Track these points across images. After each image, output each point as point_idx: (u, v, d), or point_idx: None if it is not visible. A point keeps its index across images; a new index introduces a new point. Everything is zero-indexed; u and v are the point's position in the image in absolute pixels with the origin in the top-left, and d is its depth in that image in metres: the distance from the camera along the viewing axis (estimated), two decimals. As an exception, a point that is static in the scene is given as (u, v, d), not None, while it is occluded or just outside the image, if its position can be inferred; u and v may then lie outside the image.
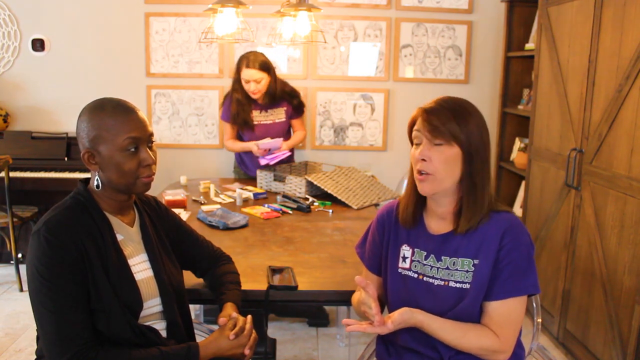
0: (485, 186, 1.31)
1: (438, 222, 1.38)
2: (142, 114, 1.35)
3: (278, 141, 3.06)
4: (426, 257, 1.37)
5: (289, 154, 3.17)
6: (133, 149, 1.29)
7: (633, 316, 2.16)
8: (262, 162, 3.04)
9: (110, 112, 1.29)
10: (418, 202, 1.40)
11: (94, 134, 1.28)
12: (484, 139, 1.32)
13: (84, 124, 1.31)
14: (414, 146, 1.34)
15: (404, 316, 1.29)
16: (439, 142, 1.29)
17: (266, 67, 3.02)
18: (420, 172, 1.31)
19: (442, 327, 1.29)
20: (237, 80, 3.07)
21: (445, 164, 1.29)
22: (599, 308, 2.41)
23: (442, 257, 1.35)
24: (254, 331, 1.41)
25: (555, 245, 2.84)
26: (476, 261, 1.31)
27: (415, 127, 1.33)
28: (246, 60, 3.00)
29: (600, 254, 2.41)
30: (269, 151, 3.04)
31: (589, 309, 2.50)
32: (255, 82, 3.00)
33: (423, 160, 1.30)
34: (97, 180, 1.32)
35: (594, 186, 2.47)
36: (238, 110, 3.09)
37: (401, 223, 1.43)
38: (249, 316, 1.42)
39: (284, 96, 3.16)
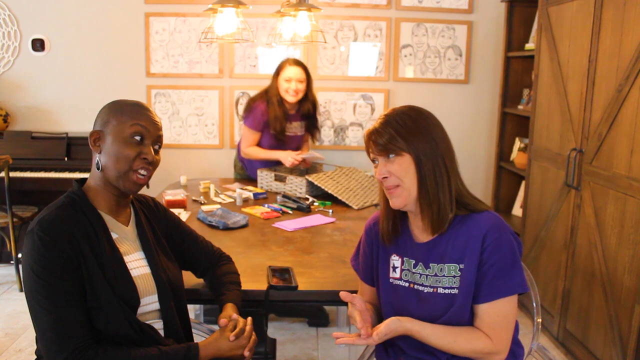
0: (439, 187, 1.31)
1: (421, 230, 1.38)
2: (159, 118, 1.38)
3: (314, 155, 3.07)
4: (415, 265, 1.37)
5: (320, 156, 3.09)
6: (138, 139, 1.32)
7: (633, 316, 2.16)
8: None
9: (129, 104, 1.36)
10: (396, 216, 1.41)
11: (107, 119, 1.33)
12: (434, 140, 1.32)
13: (102, 110, 1.36)
14: (374, 166, 1.37)
15: (391, 326, 1.29)
16: (391, 156, 1.31)
17: (308, 71, 3.03)
18: (388, 188, 1.34)
19: (432, 333, 1.29)
20: (274, 86, 3.00)
21: (405, 173, 1.31)
22: (599, 308, 2.41)
23: (430, 264, 1.35)
24: (254, 333, 1.41)
25: (555, 245, 2.84)
26: (462, 265, 1.31)
27: (370, 151, 1.37)
28: (290, 60, 3.00)
29: (600, 254, 2.41)
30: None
31: (589, 309, 2.50)
32: (298, 81, 2.96)
33: (385, 177, 1.33)
34: (97, 162, 1.33)
35: (594, 186, 2.47)
36: (277, 115, 2.99)
37: (382, 241, 1.43)
38: (249, 318, 1.42)
39: (310, 109, 3.11)
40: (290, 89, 2.96)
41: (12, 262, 3.54)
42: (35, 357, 1.37)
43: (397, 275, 1.40)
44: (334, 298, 1.57)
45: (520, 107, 3.60)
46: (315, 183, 2.77)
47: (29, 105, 3.86)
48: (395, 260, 1.41)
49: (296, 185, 2.85)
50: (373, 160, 1.37)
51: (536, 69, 3.09)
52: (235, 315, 1.41)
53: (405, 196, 1.32)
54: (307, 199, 2.72)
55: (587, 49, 2.53)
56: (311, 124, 3.19)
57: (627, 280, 2.21)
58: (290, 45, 3.79)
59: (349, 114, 3.97)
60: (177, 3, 3.78)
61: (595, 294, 2.44)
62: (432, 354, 1.34)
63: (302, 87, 2.98)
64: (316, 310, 3.04)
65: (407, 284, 1.38)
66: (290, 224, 2.33)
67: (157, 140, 1.37)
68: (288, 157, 2.96)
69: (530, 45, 3.46)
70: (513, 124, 3.74)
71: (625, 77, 2.22)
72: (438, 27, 3.88)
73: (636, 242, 2.16)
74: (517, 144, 3.68)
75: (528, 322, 2.69)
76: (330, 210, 2.59)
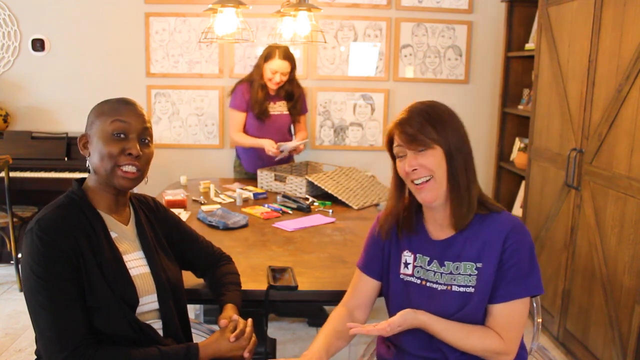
0: (470, 183, 1.31)
1: (438, 228, 1.37)
2: (143, 110, 1.36)
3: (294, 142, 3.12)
4: (429, 263, 1.36)
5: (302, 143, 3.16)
6: (121, 135, 1.30)
7: (633, 316, 2.16)
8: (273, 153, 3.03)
9: (110, 102, 1.35)
10: (410, 212, 1.40)
11: (91, 120, 1.33)
12: (462, 136, 1.33)
13: (90, 113, 1.35)
14: (398, 160, 1.34)
15: (406, 317, 1.28)
16: (421, 149, 1.29)
17: (294, 60, 3.09)
18: (415, 182, 1.31)
19: (446, 329, 1.28)
20: (258, 67, 3.08)
21: (437, 166, 1.29)
22: (599, 308, 2.41)
23: (446, 262, 1.34)
24: (254, 334, 1.40)
25: (555, 245, 2.84)
26: (479, 264, 1.30)
27: (395, 143, 1.33)
28: (277, 51, 3.03)
29: (600, 254, 2.41)
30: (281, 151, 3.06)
31: (589, 309, 2.50)
32: (282, 74, 3.05)
33: (414, 170, 1.30)
34: (88, 165, 1.33)
35: (594, 186, 2.47)
36: (257, 99, 3.08)
37: (380, 234, 1.43)
38: (250, 319, 1.42)
39: (293, 90, 3.18)
40: (274, 80, 3.05)
41: (12, 262, 3.54)
42: (35, 357, 1.37)
43: (409, 271, 1.39)
44: (334, 298, 1.58)
45: (520, 107, 3.60)
46: (315, 183, 2.77)
47: (29, 105, 3.86)
48: (408, 257, 1.40)
49: (296, 185, 2.85)
50: (396, 155, 1.34)
51: (536, 69, 3.09)
52: (235, 317, 1.41)
53: (437, 190, 1.30)
54: (307, 199, 2.72)
55: (587, 49, 2.53)
56: (293, 106, 3.22)
57: (627, 280, 2.21)
58: (291, 45, 3.79)
59: (349, 114, 3.97)
60: (177, 3, 3.78)
61: (595, 294, 2.44)
62: (439, 351, 1.33)
63: (285, 78, 3.08)
64: (316, 310, 3.04)
65: (419, 281, 1.37)
66: (290, 224, 2.34)
67: (143, 133, 1.34)
68: (270, 148, 3.01)
69: (530, 45, 3.46)
70: (513, 124, 3.74)
71: (625, 77, 2.22)
72: (438, 27, 3.88)
73: (636, 242, 2.16)
74: (517, 144, 3.68)
75: (528, 322, 2.69)
76: (330, 210, 2.59)
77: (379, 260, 1.46)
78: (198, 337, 1.49)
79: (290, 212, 2.56)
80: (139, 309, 1.31)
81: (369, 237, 1.51)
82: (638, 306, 2.13)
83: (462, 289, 1.31)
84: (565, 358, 2.68)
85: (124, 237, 1.37)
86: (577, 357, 2.60)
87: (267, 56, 3.05)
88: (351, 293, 1.50)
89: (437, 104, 1.35)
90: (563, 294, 2.73)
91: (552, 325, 2.84)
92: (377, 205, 2.78)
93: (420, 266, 1.38)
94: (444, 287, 1.33)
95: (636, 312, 2.14)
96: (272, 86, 3.09)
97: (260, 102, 3.08)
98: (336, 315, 1.45)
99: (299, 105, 3.24)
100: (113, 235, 1.33)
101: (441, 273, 1.34)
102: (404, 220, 1.41)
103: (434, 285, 1.34)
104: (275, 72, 3.03)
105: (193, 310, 2.94)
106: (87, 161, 1.34)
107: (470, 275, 1.31)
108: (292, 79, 3.14)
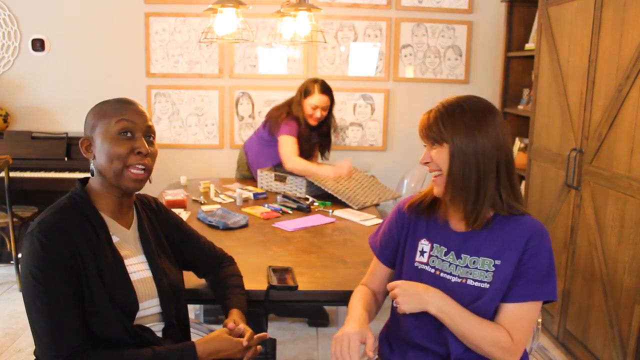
0: (480, 186, 1.30)
1: (458, 220, 1.38)
2: (144, 109, 1.36)
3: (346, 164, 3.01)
4: (446, 254, 1.37)
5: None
6: (128, 134, 1.29)
7: (633, 316, 2.16)
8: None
9: (110, 102, 1.34)
10: (436, 200, 1.42)
11: (93, 122, 1.31)
12: (476, 136, 1.28)
13: (88, 115, 1.34)
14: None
15: (419, 289, 1.31)
16: (432, 143, 1.33)
17: (332, 93, 3.03)
18: (432, 175, 1.36)
19: (460, 310, 1.28)
20: (298, 103, 3.00)
21: (443, 163, 1.31)
22: (599, 308, 2.41)
23: (463, 255, 1.35)
24: (257, 347, 1.38)
25: (555, 245, 2.82)
26: (497, 262, 1.30)
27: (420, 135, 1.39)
28: (316, 86, 2.97)
29: (600, 254, 2.41)
30: None
31: (589, 309, 2.50)
32: (322, 110, 2.99)
33: (427, 162, 1.35)
34: (92, 168, 1.32)
35: (594, 186, 2.47)
36: (304, 135, 3.01)
37: (410, 214, 1.45)
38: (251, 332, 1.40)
39: (330, 127, 3.14)
40: (315, 116, 3.00)
41: (12, 262, 3.54)
42: (34, 358, 1.36)
43: (425, 260, 1.40)
44: (334, 298, 1.58)
45: (520, 107, 3.60)
46: (315, 183, 2.77)
47: (29, 105, 3.86)
48: (425, 245, 1.41)
49: (296, 185, 2.85)
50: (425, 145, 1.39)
51: (536, 69, 3.09)
52: (242, 326, 1.38)
53: (444, 185, 1.33)
54: (307, 199, 2.72)
55: (587, 49, 2.53)
56: (323, 141, 3.19)
57: (627, 280, 2.21)
58: (291, 45, 3.79)
59: (349, 114, 3.97)
60: (177, 3, 3.79)
61: (595, 294, 2.44)
62: (443, 345, 1.33)
63: (325, 113, 3.03)
64: (316, 310, 3.05)
65: (433, 270, 1.38)
66: (290, 224, 2.34)
67: (148, 131, 1.33)
68: (329, 174, 2.87)
69: (530, 45, 3.46)
70: (513, 124, 3.74)
71: (625, 77, 2.22)
72: (438, 27, 3.88)
73: (636, 242, 2.16)
74: (517, 144, 3.68)
75: (528, 322, 2.70)
76: (330, 211, 2.59)
77: (393, 247, 1.48)
78: (198, 337, 1.48)
79: (290, 212, 2.56)
80: (141, 313, 1.30)
81: (386, 222, 1.52)
82: (638, 306, 2.14)
83: (477, 284, 1.31)
84: (565, 358, 2.68)
85: (126, 241, 1.35)
86: (577, 357, 2.60)
87: (305, 92, 2.99)
88: (369, 276, 1.54)
89: (468, 103, 1.32)
90: (563, 294, 2.73)
91: (552, 325, 2.84)
92: (377, 205, 2.78)
93: (437, 256, 1.38)
94: (459, 280, 1.33)
95: (636, 312, 2.14)
96: (312, 122, 3.02)
97: (306, 139, 3.02)
98: (361, 288, 1.51)
99: (326, 143, 3.20)
100: (115, 239, 1.32)
101: (457, 265, 1.35)
102: (429, 205, 1.43)
103: (448, 277, 1.35)
104: (315, 107, 2.96)
105: (193, 310, 2.94)
106: (91, 164, 1.32)
107: (487, 271, 1.31)
108: (330, 114, 3.08)
